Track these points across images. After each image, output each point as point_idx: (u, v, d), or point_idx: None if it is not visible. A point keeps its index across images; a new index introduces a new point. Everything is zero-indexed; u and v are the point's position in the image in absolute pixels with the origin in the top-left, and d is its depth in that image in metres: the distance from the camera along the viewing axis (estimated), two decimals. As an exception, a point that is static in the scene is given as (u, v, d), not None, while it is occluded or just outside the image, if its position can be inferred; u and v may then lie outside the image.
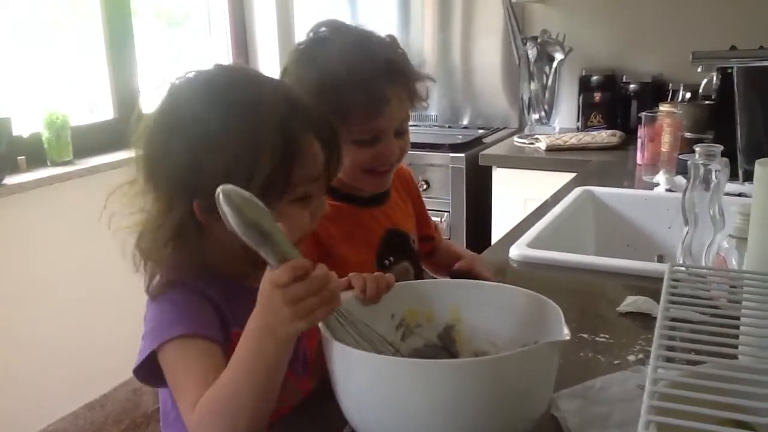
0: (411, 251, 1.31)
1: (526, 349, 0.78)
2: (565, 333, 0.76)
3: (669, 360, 0.69)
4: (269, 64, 3.27)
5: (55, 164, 2.32)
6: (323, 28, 1.17)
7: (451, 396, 0.70)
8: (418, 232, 1.38)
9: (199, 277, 0.88)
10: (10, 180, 2.15)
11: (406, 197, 1.37)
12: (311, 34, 1.17)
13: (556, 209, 1.71)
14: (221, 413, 0.78)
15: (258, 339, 0.76)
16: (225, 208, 0.70)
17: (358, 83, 1.09)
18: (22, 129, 2.29)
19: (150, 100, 0.93)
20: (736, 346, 0.73)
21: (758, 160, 0.93)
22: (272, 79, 0.93)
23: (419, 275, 1.33)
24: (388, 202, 1.30)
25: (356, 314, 0.84)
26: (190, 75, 0.89)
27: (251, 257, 0.75)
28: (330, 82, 1.09)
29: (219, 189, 0.70)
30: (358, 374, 0.74)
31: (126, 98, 2.69)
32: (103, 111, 2.68)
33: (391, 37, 1.21)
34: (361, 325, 0.83)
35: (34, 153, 2.29)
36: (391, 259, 1.26)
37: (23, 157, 2.25)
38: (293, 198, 0.87)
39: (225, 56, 3.29)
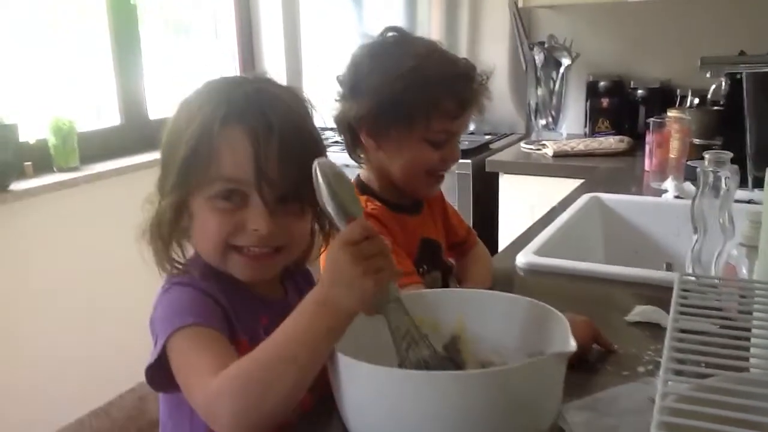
0: (442, 262, 1.33)
1: (532, 361, 0.77)
2: (572, 344, 0.75)
3: (678, 372, 0.68)
4: (276, 68, 3.27)
5: (61, 170, 2.32)
6: (392, 32, 1.21)
7: (457, 408, 0.69)
8: (450, 240, 1.39)
9: (208, 279, 0.89)
10: (17, 186, 2.15)
11: (436, 209, 1.37)
12: (381, 38, 1.21)
13: (564, 216, 1.70)
14: (253, 379, 0.74)
15: (316, 308, 0.75)
16: (319, 178, 0.76)
17: (452, 80, 1.15)
18: (28, 135, 2.29)
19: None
20: (747, 359, 0.72)
21: (769, 168, 0.91)
22: (259, 86, 0.92)
23: (446, 286, 1.33)
24: (422, 212, 1.32)
25: (363, 325, 0.83)
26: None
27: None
28: (423, 75, 1.13)
29: (315, 162, 0.77)
30: (363, 387, 0.74)
31: (132, 104, 2.69)
32: (110, 117, 2.68)
33: None
34: (410, 319, 0.82)
35: (41, 159, 2.29)
36: (425, 267, 1.27)
37: (30, 163, 2.26)
38: (212, 195, 0.86)
39: (232, 61, 3.29)
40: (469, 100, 1.18)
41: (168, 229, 0.89)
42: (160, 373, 0.84)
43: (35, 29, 2.48)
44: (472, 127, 3.22)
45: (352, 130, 1.21)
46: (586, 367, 0.99)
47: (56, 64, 2.54)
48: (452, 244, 1.41)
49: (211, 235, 0.88)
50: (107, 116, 2.69)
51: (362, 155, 1.24)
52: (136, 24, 2.70)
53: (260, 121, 0.85)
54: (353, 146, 1.23)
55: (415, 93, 1.12)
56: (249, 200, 0.87)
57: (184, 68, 3.10)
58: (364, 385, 0.73)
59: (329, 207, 0.77)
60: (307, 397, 0.92)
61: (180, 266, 0.91)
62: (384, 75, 1.14)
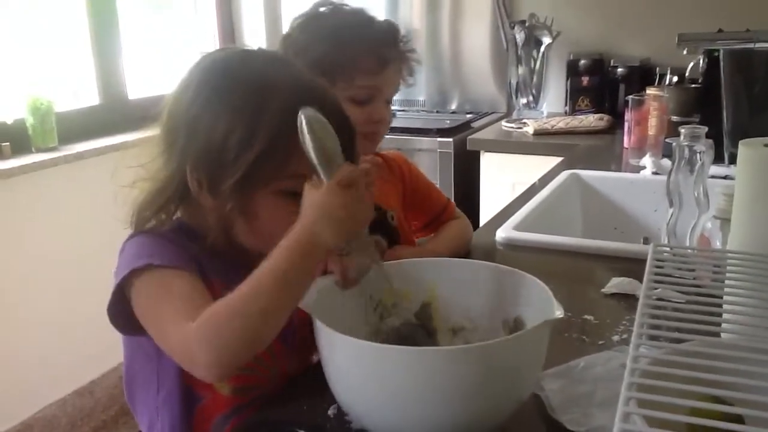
0: (388, 227, 1.32)
1: (522, 333, 0.78)
2: (558, 312, 0.75)
3: (653, 338, 0.70)
4: (256, 43, 3.24)
5: (40, 150, 2.30)
6: (325, 4, 1.24)
7: (440, 382, 0.70)
8: (424, 216, 1.41)
9: (182, 236, 0.87)
10: (-5, 166, 2.13)
11: (391, 178, 1.38)
12: (313, 9, 1.24)
13: (543, 192, 1.71)
14: (235, 313, 0.74)
15: (298, 245, 0.75)
16: (304, 127, 0.78)
17: (367, 39, 1.20)
18: (5, 115, 2.27)
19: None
20: (719, 324, 0.73)
21: (742, 141, 0.93)
22: (293, 66, 0.92)
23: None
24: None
25: (335, 299, 0.84)
26: (217, 51, 0.91)
27: (228, 236, 0.83)
28: (339, 37, 1.18)
29: (300, 111, 0.78)
30: (347, 360, 0.74)
31: (111, 83, 2.67)
32: (88, 96, 2.66)
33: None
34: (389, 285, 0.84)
35: (19, 139, 2.27)
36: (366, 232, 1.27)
37: (7, 143, 2.23)
38: (284, 189, 0.84)
39: (211, 38, 3.26)
40: (388, 58, 1.21)
41: (185, 204, 0.88)
42: (122, 315, 0.83)
43: (10, 8, 2.45)
44: (453, 105, 3.23)
45: None
46: (564, 338, 1.00)
47: (33, 43, 2.51)
48: (431, 219, 1.41)
49: (283, 230, 0.82)
50: (86, 96, 2.66)
51: None
52: (114, 1, 2.67)
53: (332, 113, 0.84)
54: None
55: (335, 51, 1.17)
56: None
57: (163, 45, 3.07)
58: (348, 359, 0.74)
59: (316, 157, 0.78)
60: (292, 356, 0.94)
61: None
62: (309, 38, 1.20)
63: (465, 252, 1.35)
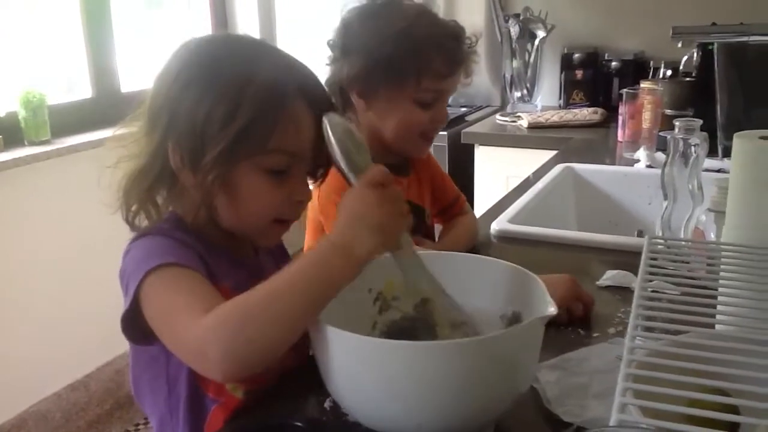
0: (425, 226, 1.34)
1: (515, 327, 0.78)
2: (551, 309, 0.75)
3: (648, 330, 0.70)
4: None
5: (32, 144, 2.28)
6: None
7: (437, 375, 0.69)
8: (438, 204, 1.41)
9: (180, 231, 0.86)
10: (-13, 159, 2.12)
11: (423, 174, 1.38)
12: (370, 1, 1.22)
13: (538, 185, 1.72)
14: (252, 317, 0.70)
15: (331, 248, 0.73)
16: (328, 132, 0.79)
17: (442, 40, 1.18)
18: (-2, 108, 2.26)
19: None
20: (713, 316, 0.74)
21: (737, 133, 0.93)
22: (279, 51, 0.90)
23: None
24: (409, 176, 1.33)
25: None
26: (201, 35, 0.90)
27: (210, 214, 0.83)
28: (412, 38, 1.15)
29: (324, 116, 0.80)
30: (343, 354, 0.73)
31: (104, 77, 2.65)
32: (81, 90, 2.65)
33: None
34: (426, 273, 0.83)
35: (11, 132, 2.25)
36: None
37: (0, 136, 2.22)
38: (266, 166, 0.84)
39: (205, 32, 3.24)
40: (458, 60, 1.20)
41: (170, 184, 0.87)
42: (135, 324, 0.81)
43: (4, 2, 2.43)
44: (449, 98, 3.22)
45: (342, 92, 1.22)
46: (559, 331, 1.01)
47: (25, 36, 2.49)
48: (441, 209, 1.42)
49: (264, 208, 0.85)
50: (78, 89, 2.65)
51: (352, 116, 1.25)
52: (107, -5, 2.65)
53: (316, 94, 0.86)
54: (343, 108, 1.23)
55: (405, 53, 1.14)
56: (295, 170, 0.86)
57: (156, 39, 3.05)
58: (344, 353, 0.73)
59: (341, 160, 0.78)
60: (290, 357, 0.93)
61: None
62: (374, 35, 1.16)
63: (471, 248, 1.36)
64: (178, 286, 0.78)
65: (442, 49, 1.17)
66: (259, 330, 0.71)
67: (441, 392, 0.70)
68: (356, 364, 0.73)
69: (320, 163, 0.88)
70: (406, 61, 1.15)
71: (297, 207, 0.89)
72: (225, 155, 0.80)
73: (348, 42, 1.19)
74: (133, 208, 0.87)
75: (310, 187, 0.93)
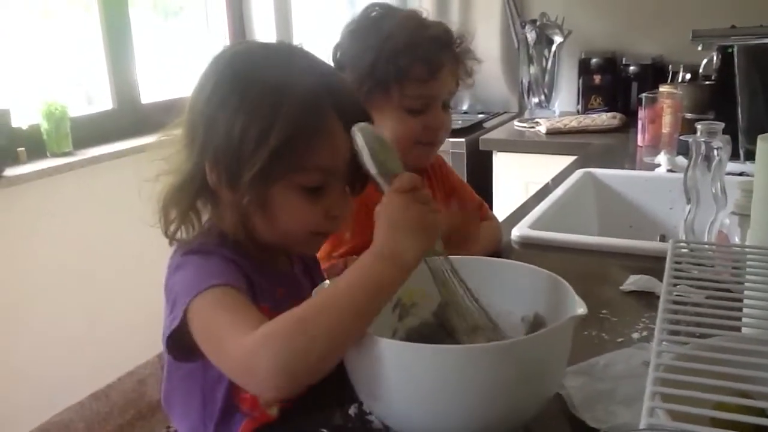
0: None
1: (546, 330, 0.77)
2: (581, 310, 0.74)
3: (674, 333, 0.70)
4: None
5: (55, 155, 2.31)
6: (375, 9, 1.22)
7: (467, 380, 0.69)
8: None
9: (225, 247, 0.86)
10: (10, 172, 2.14)
11: (436, 186, 1.36)
12: (363, 15, 1.22)
13: (558, 191, 1.71)
14: (298, 331, 0.70)
15: (375, 260, 0.73)
16: (358, 142, 0.80)
17: (417, 46, 1.16)
18: (21, 121, 2.28)
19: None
20: (739, 319, 0.73)
21: (761, 136, 0.92)
22: (315, 60, 0.90)
23: None
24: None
25: None
26: (237, 44, 0.90)
27: (247, 230, 0.83)
28: (390, 47, 1.15)
29: (354, 127, 0.80)
30: (368, 357, 0.73)
31: (125, 89, 2.68)
32: (102, 102, 2.68)
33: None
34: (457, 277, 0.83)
35: (34, 144, 2.28)
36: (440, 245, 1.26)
37: (23, 148, 2.25)
38: (302, 184, 0.83)
39: (223, 43, 3.27)
40: (439, 63, 1.17)
41: (210, 201, 0.87)
42: (178, 342, 0.81)
43: (25, 15, 2.47)
44: (465, 105, 3.23)
45: None
46: (583, 336, 1.00)
47: (47, 49, 2.53)
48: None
49: (300, 224, 0.85)
50: (99, 101, 2.68)
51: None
52: (127, 8, 2.69)
53: (350, 108, 0.85)
54: None
55: (384, 61, 1.15)
56: (331, 186, 0.86)
57: (175, 51, 3.09)
58: (375, 358, 0.72)
59: (372, 169, 0.80)
60: None
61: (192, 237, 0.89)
62: (359, 48, 1.18)
63: (496, 254, 1.34)
64: (227, 304, 0.78)
65: (419, 54, 1.16)
66: (308, 343, 0.70)
67: (470, 397, 0.70)
68: (385, 368, 0.72)
69: (358, 176, 0.87)
70: (386, 69, 1.15)
71: (334, 221, 0.88)
72: (261, 175, 0.80)
73: (341, 57, 1.21)
74: (173, 223, 0.87)
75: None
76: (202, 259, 0.84)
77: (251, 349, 0.71)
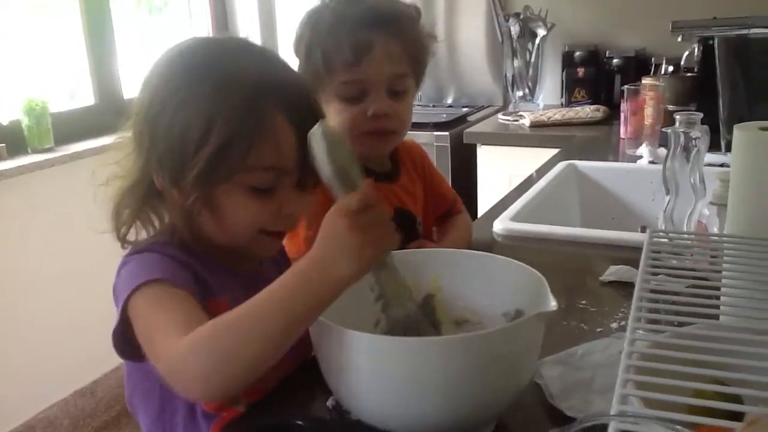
0: (416, 234, 1.27)
1: (515, 323, 0.78)
2: (552, 304, 0.75)
3: (652, 322, 0.70)
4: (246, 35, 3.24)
5: (36, 151, 2.29)
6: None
7: (438, 372, 0.69)
8: (437, 210, 1.36)
9: (173, 247, 0.86)
10: (-9, 168, 2.13)
11: (415, 178, 1.32)
12: (322, 3, 1.16)
13: (540, 183, 1.71)
14: (221, 340, 0.69)
15: (306, 274, 0.70)
16: (313, 148, 0.74)
17: (341, 28, 1.08)
18: (1, 116, 2.27)
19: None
20: (717, 308, 0.73)
21: (737, 125, 0.93)
22: (263, 55, 0.87)
23: None
24: (398, 181, 1.27)
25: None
26: (183, 42, 0.88)
27: (192, 229, 0.83)
28: (318, 30, 1.10)
29: (311, 130, 0.74)
30: (339, 351, 0.73)
31: (107, 84, 2.66)
32: (84, 97, 2.65)
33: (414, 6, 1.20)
34: (399, 276, 0.81)
35: (15, 140, 2.26)
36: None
37: (3, 144, 2.23)
38: (250, 184, 0.82)
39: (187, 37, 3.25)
40: (366, 43, 1.08)
41: (145, 205, 0.86)
42: (126, 339, 0.80)
43: (5, 10, 2.44)
44: (449, 99, 3.23)
45: None
46: (562, 326, 1.00)
47: (28, 44, 2.51)
48: (440, 215, 1.38)
49: (246, 223, 0.84)
50: (81, 96, 2.66)
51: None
52: (108, 3, 2.66)
53: (296, 104, 0.82)
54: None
55: (312, 48, 1.09)
56: (281, 184, 0.84)
57: (158, 48, 3.06)
58: (345, 351, 0.73)
59: (325, 178, 0.74)
60: (288, 360, 0.93)
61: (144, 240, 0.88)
62: (297, 36, 1.13)
63: (468, 247, 1.33)
64: (162, 304, 0.77)
65: (342, 35, 1.07)
66: (233, 349, 0.69)
67: (443, 387, 0.70)
68: (356, 361, 0.72)
69: (308, 174, 0.82)
70: (314, 56, 1.08)
71: (288, 219, 0.87)
72: (203, 177, 0.79)
73: (296, 48, 1.16)
74: (124, 225, 0.86)
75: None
76: (142, 258, 0.83)
77: (179, 353, 0.71)
